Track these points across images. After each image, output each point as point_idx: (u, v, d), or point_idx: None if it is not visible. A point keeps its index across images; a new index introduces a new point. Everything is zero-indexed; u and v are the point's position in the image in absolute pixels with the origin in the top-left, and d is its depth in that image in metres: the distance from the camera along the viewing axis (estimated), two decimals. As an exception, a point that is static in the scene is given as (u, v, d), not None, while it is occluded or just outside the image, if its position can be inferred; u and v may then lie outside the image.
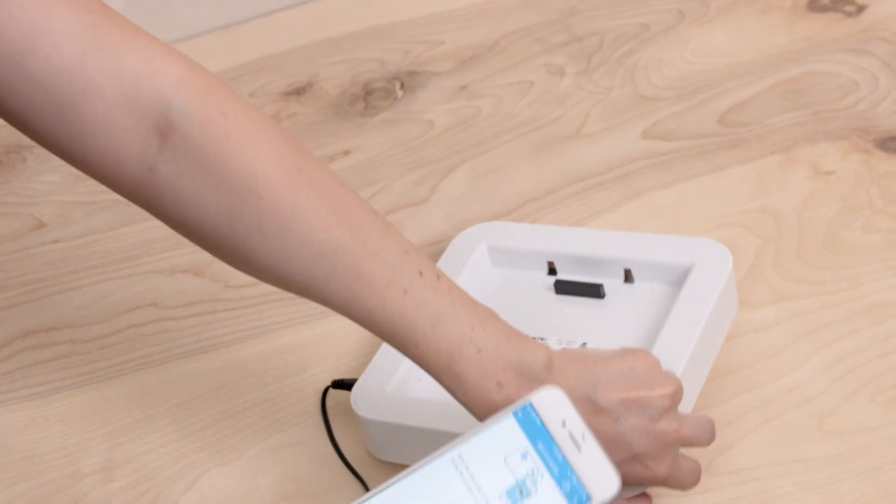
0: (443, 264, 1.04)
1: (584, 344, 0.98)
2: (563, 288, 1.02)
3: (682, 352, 0.95)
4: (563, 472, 0.79)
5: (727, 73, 1.22)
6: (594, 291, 1.01)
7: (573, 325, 1.00)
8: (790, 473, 0.95)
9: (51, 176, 1.15)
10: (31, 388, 1.02)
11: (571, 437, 0.80)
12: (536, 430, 0.80)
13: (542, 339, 0.98)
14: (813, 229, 1.10)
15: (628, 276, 1.02)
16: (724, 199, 1.12)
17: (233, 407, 1.00)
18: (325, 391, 1.01)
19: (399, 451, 0.94)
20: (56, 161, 1.17)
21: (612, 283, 1.02)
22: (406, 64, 1.24)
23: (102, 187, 1.14)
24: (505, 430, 0.80)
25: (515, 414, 0.80)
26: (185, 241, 1.11)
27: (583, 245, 1.03)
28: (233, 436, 0.99)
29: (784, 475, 0.95)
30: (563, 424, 0.80)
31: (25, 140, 1.18)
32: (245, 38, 1.26)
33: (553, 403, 0.80)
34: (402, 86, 1.22)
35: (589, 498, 0.79)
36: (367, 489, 0.94)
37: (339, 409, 0.99)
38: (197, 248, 1.10)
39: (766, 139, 1.16)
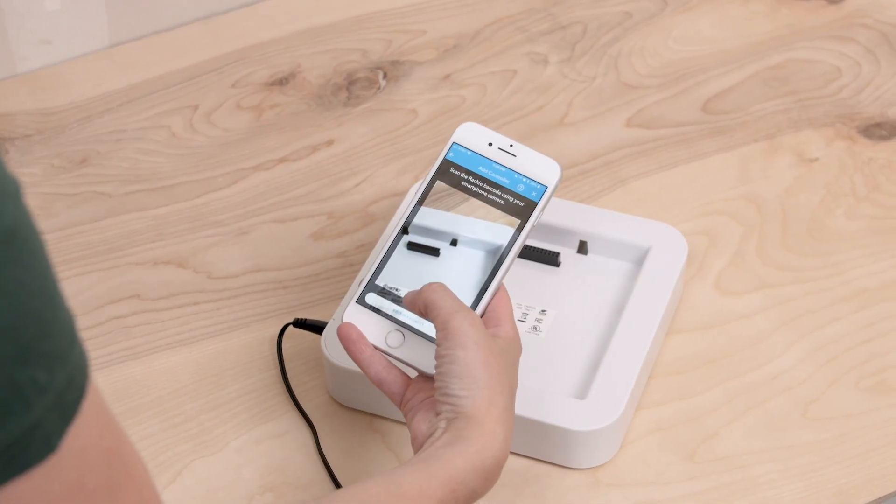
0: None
1: (544, 311, 1.01)
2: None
3: (644, 341, 0.97)
4: (511, 178, 0.90)
5: (710, 60, 1.22)
6: (550, 259, 1.03)
7: (531, 290, 1.02)
8: (774, 460, 0.95)
9: (32, 168, 1.15)
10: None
11: (502, 150, 0.90)
12: (471, 159, 0.90)
13: None
14: (796, 216, 1.10)
15: (582, 248, 1.04)
16: (707, 186, 1.12)
17: (216, 398, 1.00)
18: (283, 329, 1.01)
19: (363, 398, 0.97)
20: (38, 153, 1.17)
21: (565, 253, 1.04)
22: (388, 54, 1.24)
23: (84, 179, 1.14)
24: (443, 172, 0.91)
25: (447, 156, 0.91)
26: (167, 232, 1.11)
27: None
28: (216, 427, 0.99)
29: (768, 462, 0.95)
30: (490, 144, 0.91)
31: (7, 132, 1.18)
32: (226, 29, 1.26)
33: (473, 133, 0.91)
34: (384, 75, 1.22)
35: (545, 187, 0.89)
36: (317, 438, 0.96)
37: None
38: (180, 240, 1.10)
39: (749, 126, 1.16)
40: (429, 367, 0.86)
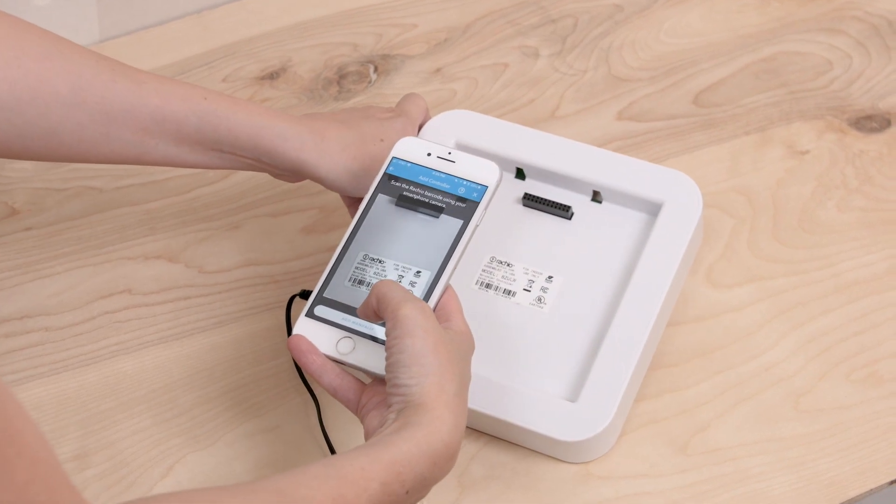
0: None
1: (550, 278, 1.01)
2: (532, 203, 1.05)
3: (657, 296, 0.97)
4: (452, 183, 0.92)
5: (701, 53, 1.22)
6: (562, 212, 1.04)
7: (542, 244, 1.03)
8: (766, 452, 0.95)
9: (23, 163, 1.15)
10: (5, 376, 1.02)
11: (441, 158, 0.93)
12: (411, 170, 0.93)
13: (509, 264, 1.02)
14: (787, 209, 1.10)
15: (596, 196, 1.04)
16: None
17: (208, 393, 1.00)
18: (291, 300, 1.01)
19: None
20: (28, 148, 1.16)
21: (579, 200, 1.04)
22: (379, 47, 1.24)
23: (75, 174, 1.14)
24: (385, 185, 0.93)
25: (388, 170, 0.93)
26: (158, 227, 1.11)
27: (553, 157, 1.05)
28: (208, 421, 0.99)
29: (760, 454, 0.95)
30: (429, 154, 0.93)
31: (-3, 127, 1.18)
32: (217, 24, 1.26)
33: (412, 146, 0.94)
34: (375, 69, 1.22)
35: (485, 187, 0.91)
36: (317, 407, 0.97)
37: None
38: (171, 235, 1.10)
39: (740, 119, 1.16)
40: (381, 369, 0.86)
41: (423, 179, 0.92)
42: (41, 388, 1.01)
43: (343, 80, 1.21)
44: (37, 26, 0.93)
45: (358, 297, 0.89)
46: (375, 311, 0.85)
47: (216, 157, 0.98)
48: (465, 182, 0.92)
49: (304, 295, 1.00)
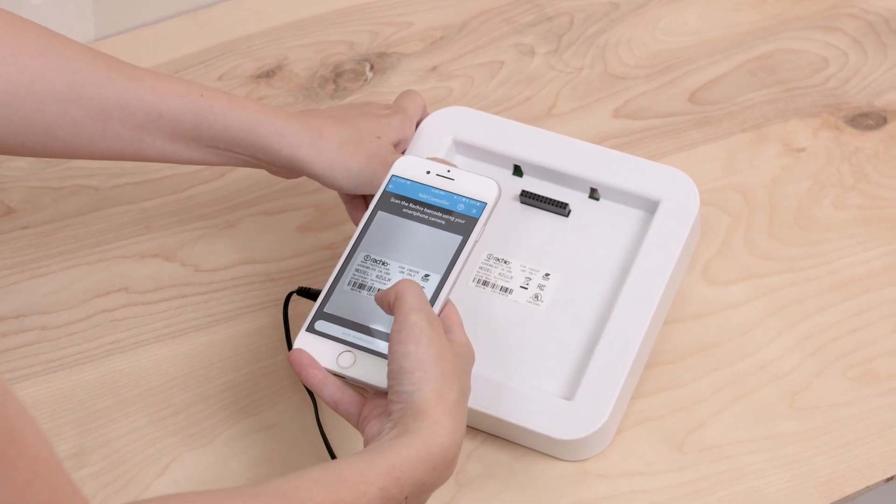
0: (410, 150, 1.06)
1: (547, 275, 1.01)
2: (529, 200, 1.05)
3: (654, 293, 0.97)
4: (451, 200, 0.92)
5: (697, 51, 1.22)
6: (560, 209, 1.04)
7: (539, 241, 1.03)
8: (761, 450, 0.96)
9: (19, 162, 1.15)
10: (2, 374, 1.02)
11: (440, 176, 0.93)
12: (410, 187, 0.93)
13: (506, 261, 1.02)
14: (784, 206, 1.10)
15: (593, 194, 1.04)
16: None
17: (204, 391, 1.00)
18: (289, 296, 1.01)
19: None
20: (24, 147, 1.16)
21: (576, 197, 1.04)
22: (375, 46, 1.24)
23: (70, 173, 1.14)
24: (385, 203, 0.93)
25: (387, 187, 0.93)
26: (154, 226, 1.11)
27: (551, 154, 1.05)
28: (205, 420, 0.99)
29: (755, 452, 0.95)
30: (429, 172, 0.93)
31: (-7, 126, 1.18)
32: (213, 22, 1.26)
33: (410, 165, 0.93)
34: (371, 67, 1.22)
35: (484, 204, 0.91)
36: (315, 404, 0.97)
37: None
38: (167, 233, 1.10)
39: (736, 117, 1.16)
40: (382, 382, 0.86)
41: (422, 197, 0.92)
42: (37, 386, 1.01)
43: (339, 78, 1.21)
44: (33, 23, 0.93)
45: (358, 312, 0.89)
46: (391, 305, 0.85)
47: (212, 154, 0.98)
48: (464, 199, 0.92)
49: (302, 291, 1.01)
